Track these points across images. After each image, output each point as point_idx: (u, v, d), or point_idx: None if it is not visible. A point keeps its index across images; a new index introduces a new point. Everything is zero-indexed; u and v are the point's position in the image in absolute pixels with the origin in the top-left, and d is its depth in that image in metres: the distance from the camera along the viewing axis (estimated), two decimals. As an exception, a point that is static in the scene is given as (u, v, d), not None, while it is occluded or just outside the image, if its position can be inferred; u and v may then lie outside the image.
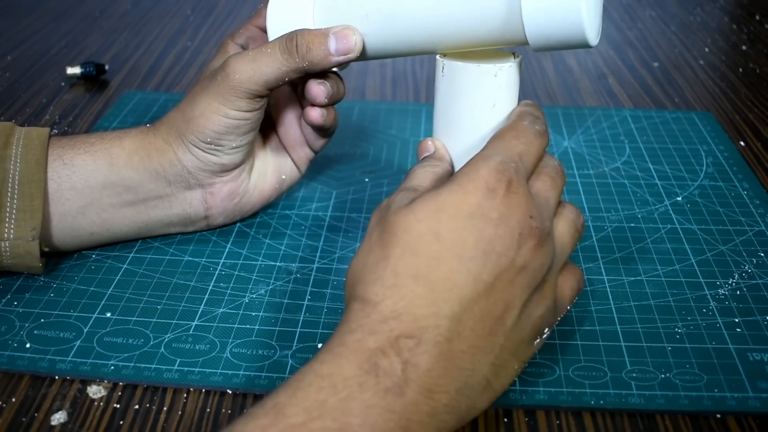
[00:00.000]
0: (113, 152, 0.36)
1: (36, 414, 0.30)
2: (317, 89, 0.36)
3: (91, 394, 0.31)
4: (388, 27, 0.33)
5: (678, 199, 0.45)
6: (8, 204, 0.34)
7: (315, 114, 0.37)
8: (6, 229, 0.34)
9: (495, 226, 0.26)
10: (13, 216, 0.34)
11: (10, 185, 0.34)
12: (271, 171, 0.40)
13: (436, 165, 0.31)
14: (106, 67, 0.61)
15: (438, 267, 0.25)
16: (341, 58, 0.34)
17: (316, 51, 0.34)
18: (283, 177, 0.40)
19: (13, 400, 0.30)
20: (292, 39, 0.34)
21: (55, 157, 0.36)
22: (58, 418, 0.29)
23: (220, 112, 0.35)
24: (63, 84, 0.59)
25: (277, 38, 0.35)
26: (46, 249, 0.36)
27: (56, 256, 0.38)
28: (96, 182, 0.36)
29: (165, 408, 0.30)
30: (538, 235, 0.27)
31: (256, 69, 0.34)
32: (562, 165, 0.32)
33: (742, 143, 0.52)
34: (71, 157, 0.36)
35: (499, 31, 0.31)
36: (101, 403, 0.30)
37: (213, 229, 0.41)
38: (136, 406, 0.30)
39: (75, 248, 0.38)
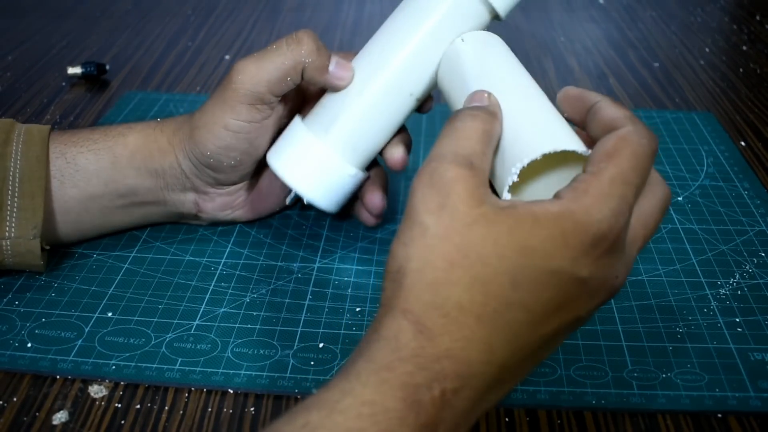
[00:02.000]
0: (116, 151, 0.36)
1: (37, 413, 0.30)
2: (377, 201, 0.37)
3: (92, 394, 0.31)
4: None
5: (679, 199, 0.45)
6: (9, 202, 0.34)
7: (372, 217, 0.38)
8: (7, 228, 0.34)
9: (578, 287, 0.23)
10: (14, 214, 0.34)
11: (10, 183, 0.34)
12: (276, 193, 0.40)
13: (487, 121, 0.26)
14: (107, 67, 0.61)
15: (504, 314, 0.23)
16: (333, 82, 0.35)
17: (319, 60, 0.34)
18: (288, 203, 0.40)
19: (15, 399, 0.30)
20: (301, 35, 0.35)
21: (57, 154, 0.36)
22: (60, 417, 0.30)
23: (221, 122, 0.35)
24: (64, 84, 0.59)
25: (277, 42, 0.35)
26: (47, 247, 0.36)
27: (57, 257, 0.38)
28: (99, 182, 0.36)
29: (166, 407, 0.30)
30: (615, 291, 0.24)
31: (259, 67, 0.34)
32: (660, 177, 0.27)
33: (742, 143, 0.52)
34: (74, 156, 0.36)
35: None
36: (103, 403, 0.30)
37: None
38: (138, 406, 0.30)
39: (79, 240, 0.38)
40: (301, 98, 0.38)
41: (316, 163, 0.35)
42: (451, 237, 0.23)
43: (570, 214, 0.23)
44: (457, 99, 0.31)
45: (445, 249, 0.23)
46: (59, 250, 0.38)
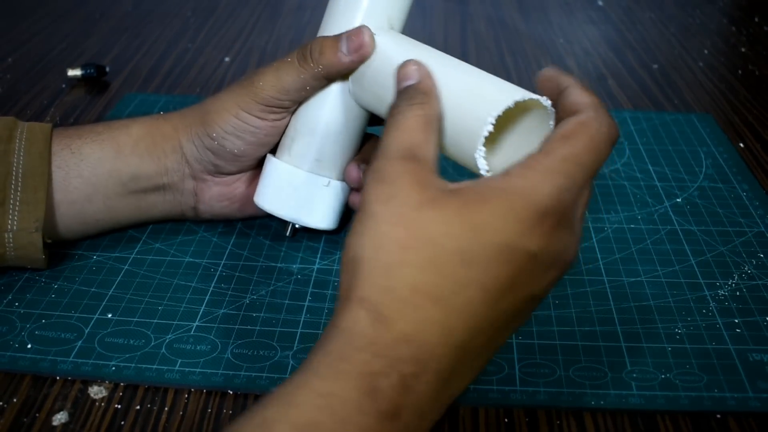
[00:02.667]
0: (120, 140, 0.37)
1: (37, 414, 0.30)
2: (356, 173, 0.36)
3: (92, 395, 0.31)
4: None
5: (678, 200, 0.45)
6: (12, 196, 0.35)
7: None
8: (9, 221, 0.34)
9: (529, 261, 0.23)
10: (17, 208, 0.34)
11: (13, 178, 0.35)
12: None
13: (425, 105, 0.27)
14: (107, 69, 0.61)
15: (460, 293, 0.23)
16: (354, 56, 0.34)
17: (329, 53, 0.34)
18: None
19: (15, 400, 0.30)
20: (306, 47, 0.35)
21: (62, 146, 0.36)
22: (60, 418, 0.30)
23: (233, 111, 0.36)
24: (64, 86, 0.59)
25: (297, 49, 0.36)
26: (49, 240, 0.36)
27: (58, 258, 0.38)
28: (103, 170, 0.37)
29: (166, 408, 0.30)
30: (567, 267, 0.25)
31: (278, 78, 0.35)
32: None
33: (741, 144, 0.52)
34: (79, 146, 0.37)
35: None
36: (102, 404, 0.30)
37: (202, 223, 0.41)
38: (138, 407, 0.30)
39: (81, 236, 0.39)
40: None
41: (285, 182, 0.36)
42: (401, 222, 0.23)
43: (517, 189, 0.23)
44: (385, 85, 0.31)
45: (396, 233, 0.23)
46: (60, 252, 0.39)
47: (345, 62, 0.34)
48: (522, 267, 0.23)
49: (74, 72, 0.59)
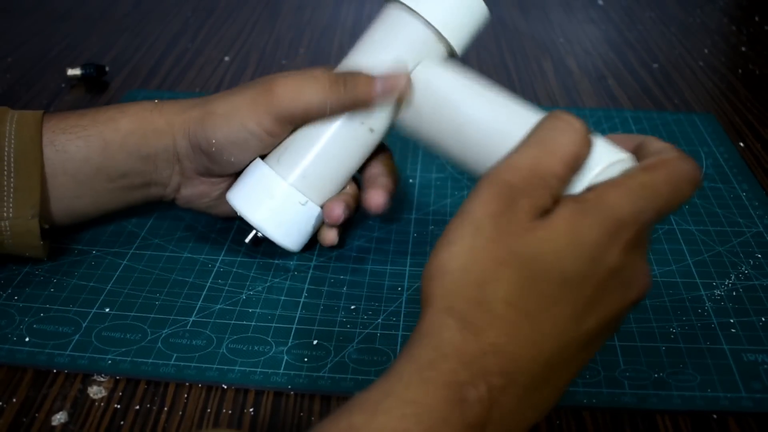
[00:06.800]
0: (107, 136, 0.36)
1: (37, 414, 0.30)
2: (379, 200, 0.36)
3: (91, 395, 0.31)
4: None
5: (675, 199, 0.45)
6: (5, 183, 0.34)
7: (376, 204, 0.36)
8: (5, 209, 0.34)
9: (612, 277, 0.24)
10: (11, 195, 0.34)
11: (6, 163, 0.34)
12: None
13: (579, 143, 0.26)
14: (107, 69, 0.61)
15: (551, 309, 0.23)
16: (385, 98, 0.34)
17: (362, 87, 0.34)
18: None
19: (14, 400, 0.30)
20: (341, 76, 0.34)
21: (46, 143, 0.35)
22: (59, 418, 0.30)
23: (242, 120, 0.34)
24: (63, 85, 0.60)
25: (326, 72, 0.35)
26: (46, 226, 0.36)
27: (57, 253, 0.39)
28: (89, 169, 0.36)
29: (165, 408, 0.30)
30: (643, 291, 0.25)
31: (300, 93, 0.34)
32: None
33: (741, 144, 0.52)
34: (63, 144, 0.36)
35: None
36: (102, 404, 0.30)
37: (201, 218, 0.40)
38: (137, 407, 0.30)
39: (71, 225, 0.38)
40: None
41: (263, 187, 0.35)
42: (504, 240, 0.23)
43: (607, 203, 0.24)
44: (441, 122, 0.32)
45: (496, 250, 0.23)
46: (59, 247, 0.39)
47: (375, 101, 0.34)
48: (606, 285, 0.24)
49: (74, 72, 0.59)
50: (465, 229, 0.23)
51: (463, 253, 0.23)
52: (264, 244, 0.38)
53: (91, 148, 0.36)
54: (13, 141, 0.35)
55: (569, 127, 0.26)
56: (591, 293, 0.23)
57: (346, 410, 0.21)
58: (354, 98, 0.34)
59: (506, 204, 0.23)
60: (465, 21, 0.35)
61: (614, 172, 0.26)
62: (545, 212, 0.24)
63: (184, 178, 0.37)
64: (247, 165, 0.37)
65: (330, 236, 0.37)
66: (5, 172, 0.34)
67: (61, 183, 0.36)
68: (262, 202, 0.35)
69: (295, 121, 0.35)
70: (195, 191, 0.38)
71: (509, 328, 0.22)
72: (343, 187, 0.37)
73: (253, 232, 0.37)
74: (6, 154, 0.34)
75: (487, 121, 0.30)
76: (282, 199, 0.35)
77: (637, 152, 0.28)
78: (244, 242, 0.38)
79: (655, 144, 0.27)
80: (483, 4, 0.35)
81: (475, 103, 0.31)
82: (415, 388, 0.21)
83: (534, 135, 0.26)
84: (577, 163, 0.25)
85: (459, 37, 0.35)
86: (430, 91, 0.33)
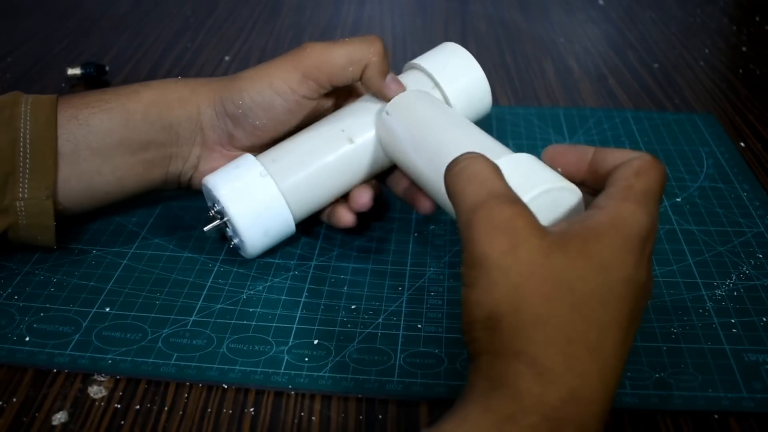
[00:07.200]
0: (129, 107, 0.36)
1: (37, 414, 0.30)
2: (365, 198, 0.37)
3: (92, 394, 0.31)
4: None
5: (677, 200, 0.45)
6: (21, 164, 0.34)
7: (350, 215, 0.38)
8: (20, 189, 0.34)
9: (642, 291, 0.24)
10: (27, 176, 0.34)
11: (21, 145, 0.34)
12: None
13: (486, 160, 0.27)
14: (107, 68, 0.61)
15: (607, 338, 0.22)
16: (385, 89, 0.36)
17: (383, 64, 0.36)
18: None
19: (14, 399, 0.30)
20: (366, 58, 0.36)
21: (69, 117, 0.35)
22: (59, 418, 0.30)
23: (269, 79, 0.35)
24: (63, 85, 0.60)
25: (363, 38, 0.36)
26: (60, 207, 0.36)
27: (57, 252, 0.38)
28: (112, 140, 0.36)
29: (166, 408, 0.30)
30: (650, 295, 0.26)
31: (329, 50, 0.35)
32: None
33: (742, 144, 0.52)
34: (86, 117, 0.35)
35: None
36: (102, 403, 0.30)
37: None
38: (137, 407, 0.30)
39: (89, 209, 0.38)
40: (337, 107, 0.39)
41: (249, 179, 0.35)
42: (535, 272, 0.22)
43: (623, 220, 0.24)
44: (408, 158, 0.35)
45: (534, 285, 0.22)
46: (59, 246, 0.39)
47: (381, 83, 0.36)
48: (638, 298, 0.24)
49: (74, 71, 0.59)
50: (492, 273, 0.23)
51: (505, 297, 0.22)
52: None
53: (113, 120, 0.36)
54: (28, 122, 0.35)
55: (471, 155, 0.26)
56: (629, 309, 0.23)
57: None
58: (367, 79, 0.36)
59: (508, 234, 0.23)
60: (473, 101, 0.38)
61: (549, 198, 0.27)
62: (542, 226, 0.24)
63: (205, 150, 0.37)
64: (267, 135, 0.37)
65: (347, 217, 0.37)
66: (21, 154, 0.34)
67: (83, 158, 0.35)
68: (241, 193, 0.35)
69: (319, 78, 0.35)
70: (213, 167, 0.38)
71: (580, 368, 0.21)
72: (324, 202, 0.37)
73: (217, 222, 0.36)
74: (22, 135, 0.34)
75: (448, 139, 0.33)
76: (245, 168, 0.35)
77: (596, 165, 0.28)
78: (203, 229, 0.36)
79: (616, 153, 0.27)
80: (490, 99, 0.39)
81: (442, 124, 0.34)
82: None
83: (460, 176, 0.26)
84: (500, 173, 0.26)
85: (460, 103, 0.38)
86: (410, 110, 0.36)
